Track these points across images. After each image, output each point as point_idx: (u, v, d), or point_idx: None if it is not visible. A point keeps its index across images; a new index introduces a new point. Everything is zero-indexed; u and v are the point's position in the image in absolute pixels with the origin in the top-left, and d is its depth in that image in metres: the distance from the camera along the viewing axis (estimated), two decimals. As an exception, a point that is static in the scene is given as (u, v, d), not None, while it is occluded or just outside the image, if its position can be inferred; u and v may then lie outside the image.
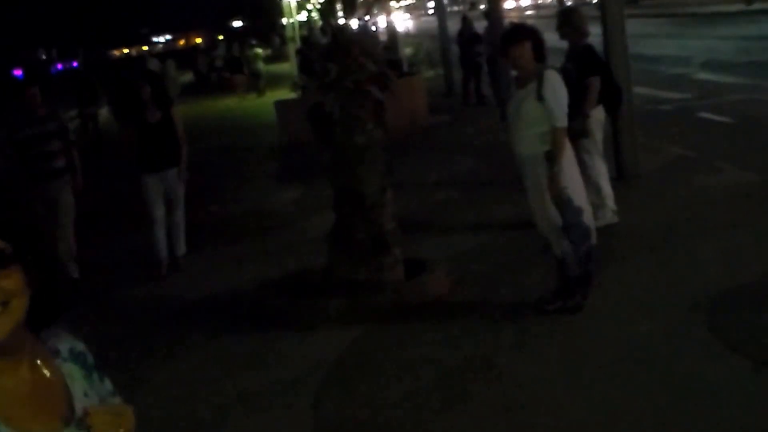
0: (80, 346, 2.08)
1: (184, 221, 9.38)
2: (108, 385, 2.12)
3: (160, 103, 9.13)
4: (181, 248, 9.44)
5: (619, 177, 10.13)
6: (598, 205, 8.47)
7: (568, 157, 6.38)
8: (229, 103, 31.28)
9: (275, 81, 32.28)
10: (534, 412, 5.13)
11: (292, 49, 37.32)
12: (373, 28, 33.98)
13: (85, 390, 2.01)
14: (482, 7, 30.45)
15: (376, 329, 6.80)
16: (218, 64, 42.50)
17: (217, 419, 5.77)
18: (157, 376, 6.61)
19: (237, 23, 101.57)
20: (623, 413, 4.96)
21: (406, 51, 31.38)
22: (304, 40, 35.70)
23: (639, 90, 13.19)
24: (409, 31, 51.57)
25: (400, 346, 6.44)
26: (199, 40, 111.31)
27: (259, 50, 37.75)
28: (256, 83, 32.74)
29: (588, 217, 6.54)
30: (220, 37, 77.78)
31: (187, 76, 47.11)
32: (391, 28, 31.27)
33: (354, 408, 5.57)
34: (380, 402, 5.58)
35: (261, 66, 34.61)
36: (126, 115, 10.12)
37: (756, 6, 44.84)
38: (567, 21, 8.58)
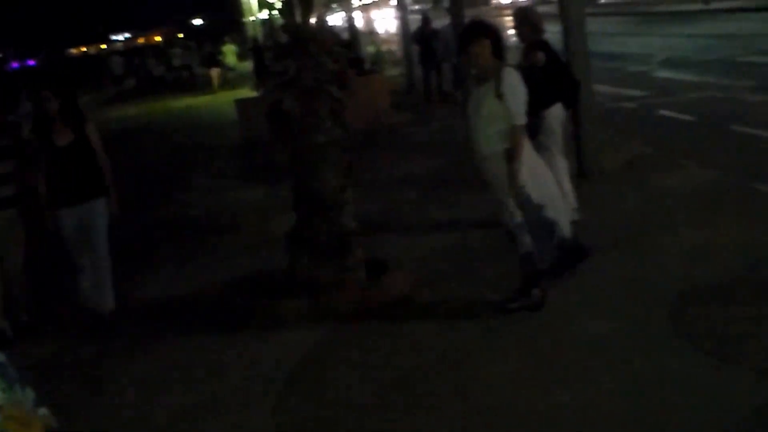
0: (1, 357, 2.00)
1: (110, 265, 7.52)
2: (30, 395, 2.05)
3: (71, 120, 7.36)
4: (109, 302, 7.52)
5: (580, 174, 10.14)
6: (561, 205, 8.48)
7: (527, 154, 6.35)
8: (189, 101, 31.14)
9: (240, 79, 32.25)
10: (499, 411, 5.10)
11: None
12: (335, 26, 34.11)
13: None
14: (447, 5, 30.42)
15: (339, 330, 6.75)
16: (176, 63, 42.44)
17: (175, 423, 5.68)
18: (115, 380, 6.51)
19: (198, 21, 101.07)
20: (588, 411, 4.94)
21: (368, 49, 31.35)
22: (255, 39, 35.96)
23: (600, 88, 13.24)
24: (388, 31, 51.39)
25: (363, 346, 6.39)
26: (158, 39, 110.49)
27: (232, 46, 38.22)
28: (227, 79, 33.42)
29: (552, 212, 6.51)
30: (180, 35, 77.37)
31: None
32: (352, 26, 31.22)
33: (317, 409, 5.52)
34: (343, 403, 5.53)
35: (233, 62, 35.24)
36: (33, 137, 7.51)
37: (714, 5, 45.28)
38: (524, 19, 8.54)
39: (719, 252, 7.29)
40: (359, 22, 57.69)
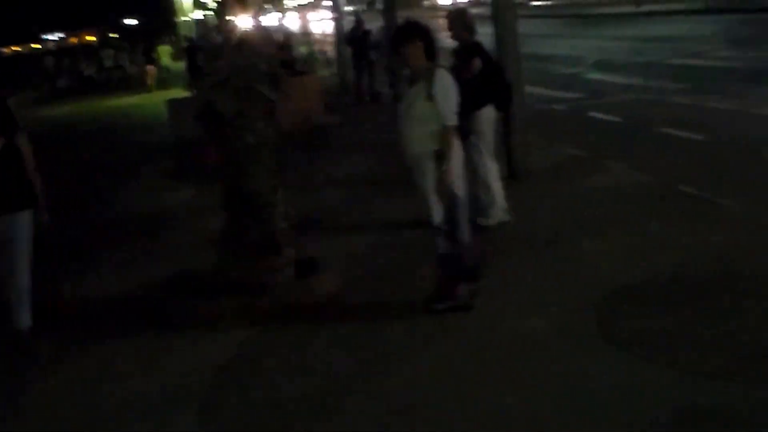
0: None
1: (28, 282, 6.84)
2: None
3: (1, 126, 6.71)
4: (25, 320, 6.86)
5: (510, 176, 10.23)
6: (489, 204, 8.55)
7: (457, 155, 6.39)
8: (123, 101, 30.81)
9: (174, 79, 31.99)
10: (425, 412, 5.11)
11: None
12: (269, 27, 34.01)
13: None
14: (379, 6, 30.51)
15: (268, 330, 6.72)
16: (107, 63, 42.06)
17: (102, 423, 5.61)
18: (40, 384, 6.40)
19: (132, 21, 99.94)
20: (513, 412, 4.97)
21: (301, 50, 31.30)
22: (190, 40, 35.80)
23: (531, 89, 13.37)
24: (323, 32, 51.25)
25: (292, 347, 6.37)
26: (92, 38, 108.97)
27: (167, 47, 38.04)
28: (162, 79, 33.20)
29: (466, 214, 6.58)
30: (114, 35, 76.45)
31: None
32: (285, 27, 31.15)
33: (244, 410, 5.48)
34: (272, 404, 5.50)
35: (167, 62, 35.13)
36: None
37: (644, 8, 46.04)
38: (456, 20, 8.61)
39: (646, 253, 7.41)
40: (294, 23, 57.54)
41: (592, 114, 15.47)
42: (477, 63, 8.29)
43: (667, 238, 7.75)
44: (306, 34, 51.98)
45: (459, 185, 6.40)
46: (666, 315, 6.07)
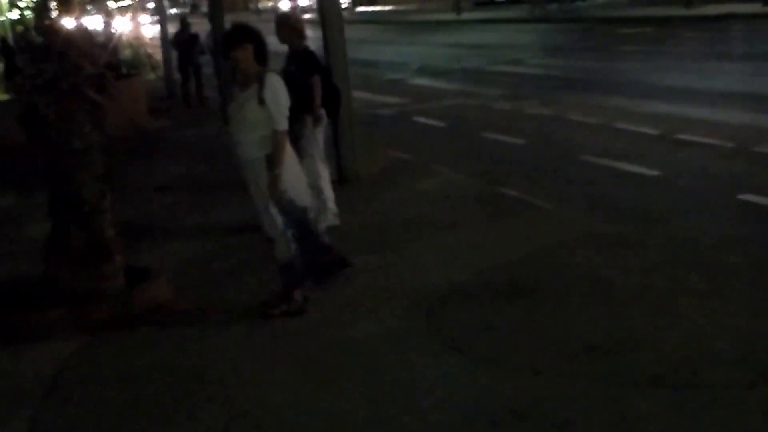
0: None
1: None
2: None
3: None
4: None
5: (340, 180, 10.35)
6: (319, 208, 8.62)
7: (289, 159, 6.43)
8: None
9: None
10: (258, 418, 5.11)
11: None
12: (95, 29, 33.09)
13: None
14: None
15: (98, 340, 6.58)
16: None
17: None
18: None
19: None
20: (346, 416, 5.01)
21: (126, 53, 30.60)
22: (4, 40, 34.46)
23: (358, 94, 13.54)
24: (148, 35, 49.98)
25: (123, 356, 6.26)
26: None
27: None
28: None
29: (312, 214, 6.64)
30: None
31: None
32: (108, 30, 30.42)
33: (74, 422, 5.35)
34: (102, 414, 5.38)
35: None
36: None
37: (465, 16, 47.27)
38: (285, 25, 8.66)
39: (471, 254, 7.65)
40: (121, 25, 56.11)
41: (417, 118, 15.81)
42: (318, 83, 8.38)
43: (491, 239, 8.02)
44: (133, 36, 50.81)
45: (298, 187, 6.44)
46: (495, 314, 6.28)
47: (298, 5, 57.85)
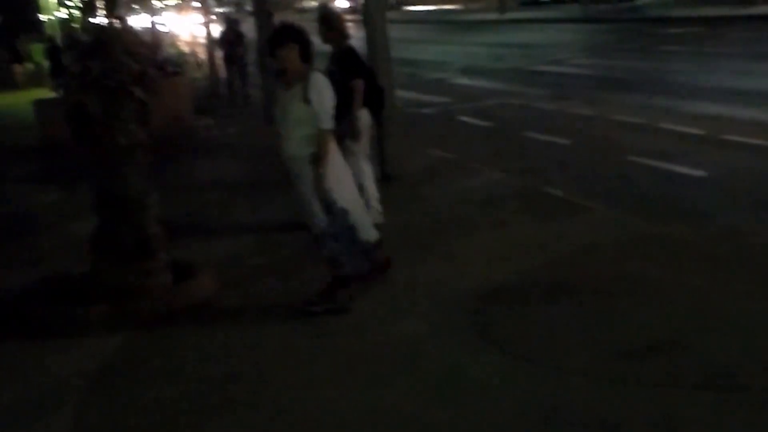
0: None
1: None
2: None
3: None
4: None
5: (383, 179, 10.35)
6: (363, 212, 8.61)
7: (334, 158, 6.46)
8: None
9: (44, 78, 31.08)
10: (301, 416, 5.11)
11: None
12: (140, 28, 33.49)
13: None
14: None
15: (141, 336, 6.63)
16: None
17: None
18: None
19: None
20: (392, 415, 5.01)
21: (171, 51, 30.88)
22: (52, 39, 34.95)
23: (402, 94, 13.55)
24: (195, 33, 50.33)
25: (166, 352, 6.30)
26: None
27: (40, 45, 37.14)
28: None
29: (356, 217, 6.64)
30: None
31: None
32: (154, 27, 30.69)
33: (118, 417, 5.39)
34: (145, 410, 5.42)
35: (41, 60, 34.34)
36: None
37: (509, 15, 47.10)
38: (328, 25, 8.66)
39: (515, 253, 7.61)
40: (168, 24, 56.59)
41: (462, 118, 15.77)
42: (360, 85, 8.39)
43: (535, 239, 7.97)
44: (178, 35, 51.27)
45: (341, 188, 6.47)
46: (538, 313, 6.26)
47: (357, 3, 57.79)
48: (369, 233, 6.78)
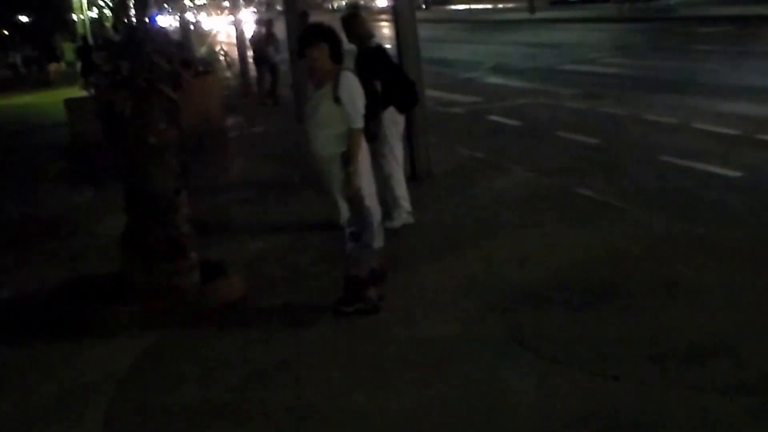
0: None
1: None
2: None
3: None
4: None
5: (413, 178, 10.31)
6: (393, 206, 8.58)
7: (363, 158, 6.42)
8: (18, 100, 30.00)
9: (75, 77, 31.31)
10: (332, 417, 5.08)
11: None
12: (169, 27, 33.66)
13: None
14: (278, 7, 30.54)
15: (172, 335, 6.62)
16: (11, 60, 41.30)
17: (1, 433, 5.46)
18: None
19: (24, 18, 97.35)
20: (422, 416, 4.96)
21: (202, 50, 31.00)
22: (84, 38, 35.26)
23: (431, 93, 13.50)
24: (226, 33, 50.61)
25: (197, 352, 6.29)
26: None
27: (71, 44, 37.65)
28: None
29: (376, 218, 6.60)
30: (5, 32, 74.52)
31: None
32: (184, 27, 30.82)
33: (148, 417, 5.38)
34: (175, 410, 5.41)
35: (72, 59, 34.95)
36: None
37: (539, 15, 46.95)
38: (352, 26, 8.59)
39: (547, 253, 7.54)
40: (200, 23, 56.88)
41: (492, 117, 15.69)
42: (377, 86, 8.33)
43: (566, 240, 7.90)
44: (210, 34, 51.47)
45: (366, 188, 6.43)
46: (568, 316, 6.18)
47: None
48: (379, 239, 6.73)
